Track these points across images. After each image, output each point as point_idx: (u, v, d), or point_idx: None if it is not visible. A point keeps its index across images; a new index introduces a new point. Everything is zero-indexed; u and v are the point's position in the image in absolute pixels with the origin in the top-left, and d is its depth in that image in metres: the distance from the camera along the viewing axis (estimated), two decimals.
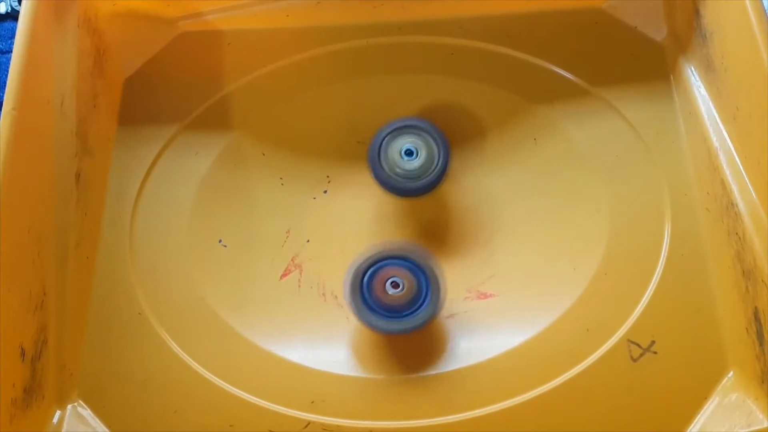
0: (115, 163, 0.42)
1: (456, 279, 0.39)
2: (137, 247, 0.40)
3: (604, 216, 0.40)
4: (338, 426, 0.36)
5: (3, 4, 0.49)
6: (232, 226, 0.41)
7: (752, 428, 0.33)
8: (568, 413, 0.35)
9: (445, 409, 0.36)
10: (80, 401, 0.36)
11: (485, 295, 0.39)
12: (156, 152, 0.42)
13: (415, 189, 0.39)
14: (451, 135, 0.43)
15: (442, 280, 0.37)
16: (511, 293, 0.39)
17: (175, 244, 0.40)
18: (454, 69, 0.44)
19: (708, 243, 0.38)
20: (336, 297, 0.39)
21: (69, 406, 0.36)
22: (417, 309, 0.36)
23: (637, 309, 0.37)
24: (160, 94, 0.44)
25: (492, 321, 0.38)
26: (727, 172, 0.37)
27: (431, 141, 0.39)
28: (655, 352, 0.36)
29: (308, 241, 0.41)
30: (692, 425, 0.35)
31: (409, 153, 0.39)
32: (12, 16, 0.49)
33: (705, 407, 0.35)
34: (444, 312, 0.38)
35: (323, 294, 0.40)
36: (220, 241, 0.41)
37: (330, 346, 0.38)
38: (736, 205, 0.36)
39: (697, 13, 0.40)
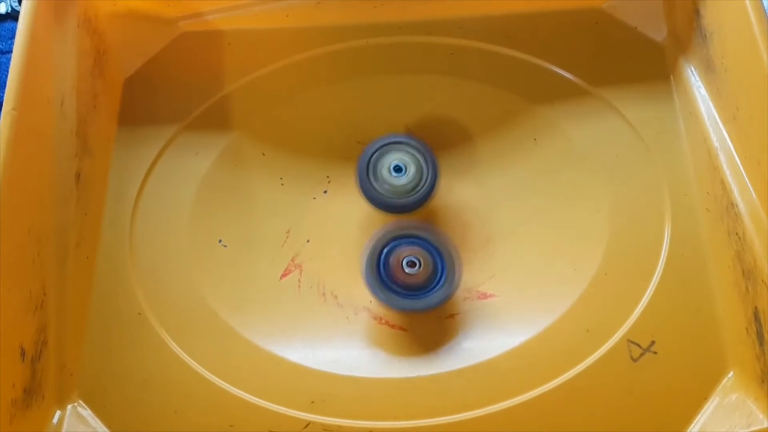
0: (115, 163, 0.42)
1: None
2: (137, 247, 0.40)
3: (604, 216, 0.40)
4: (338, 426, 0.36)
5: (3, 4, 0.49)
6: (232, 226, 0.41)
7: (752, 428, 0.33)
8: (568, 413, 0.35)
9: (446, 409, 0.36)
10: (80, 401, 0.36)
11: (485, 295, 0.39)
12: (156, 152, 0.42)
13: (404, 205, 0.39)
14: (451, 135, 0.43)
15: (458, 260, 0.37)
16: (511, 293, 0.39)
17: (175, 244, 0.40)
18: (454, 69, 0.44)
19: (708, 243, 0.38)
20: (336, 297, 0.39)
21: (69, 406, 0.36)
22: (433, 288, 0.37)
23: (637, 309, 0.37)
24: (160, 94, 0.44)
25: (492, 321, 0.38)
26: (727, 172, 0.37)
27: (419, 157, 0.39)
28: (655, 352, 0.36)
29: (308, 241, 0.41)
30: (692, 425, 0.35)
31: (397, 169, 0.39)
32: (12, 16, 0.49)
33: (705, 407, 0.35)
34: (444, 312, 0.38)
35: (323, 294, 0.40)
36: (220, 241, 0.41)
37: (330, 346, 0.38)
38: (736, 205, 0.36)
39: (697, 13, 0.40)
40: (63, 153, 0.38)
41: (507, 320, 0.38)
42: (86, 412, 0.36)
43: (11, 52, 0.35)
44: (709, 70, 0.39)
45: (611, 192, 0.40)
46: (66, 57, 0.38)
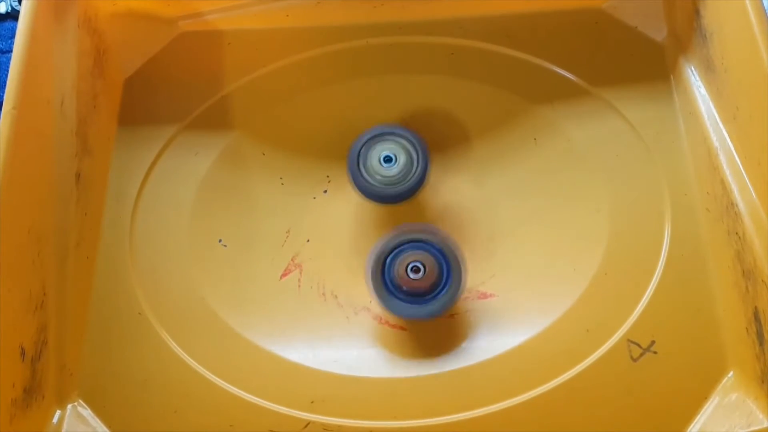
0: (115, 163, 0.42)
1: None
2: (137, 247, 0.40)
3: (604, 216, 0.40)
4: (338, 426, 0.36)
5: (3, 4, 0.49)
6: (232, 226, 0.41)
7: (752, 428, 0.33)
8: (568, 413, 0.35)
9: (446, 409, 0.36)
10: (80, 401, 0.36)
11: (485, 295, 0.39)
12: (156, 152, 0.42)
13: (395, 195, 0.39)
14: (451, 134, 0.43)
15: (464, 264, 0.37)
16: (511, 293, 0.39)
17: (175, 244, 0.40)
18: (454, 69, 0.44)
19: (708, 243, 0.38)
20: (336, 297, 0.39)
21: (69, 406, 0.36)
22: (438, 294, 0.36)
23: (637, 309, 0.37)
24: (160, 94, 0.44)
25: (492, 321, 0.38)
26: (727, 172, 0.37)
27: (409, 147, 0.40)
28: (655, 352, 0.36)
29: (308, 241, 0.41)
30: (692, 425, 0.35)
31: (387, 160, 0.39)
32: (12, 16, 0.49)
33: (705, 407, 0.35)
34: (444, 312, 0.38)
35: (323, 294, 0.40)
36: (220, 241, 0.41)
37: (330, 346, 0.38)
38: (736, 205, 0.36)
39: (697, 13, 0.40)
40: (63, 153, 0.38)
41: (507, 320, 0.38)
42: (86, 412, 0.36)
43: (11, 51, 0.35)
44: (709, 70, 0.39)
45: (611, 192, 0.40)
46: (66, 57, 0.38)
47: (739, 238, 0.36)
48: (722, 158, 0.38)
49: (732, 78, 0.37)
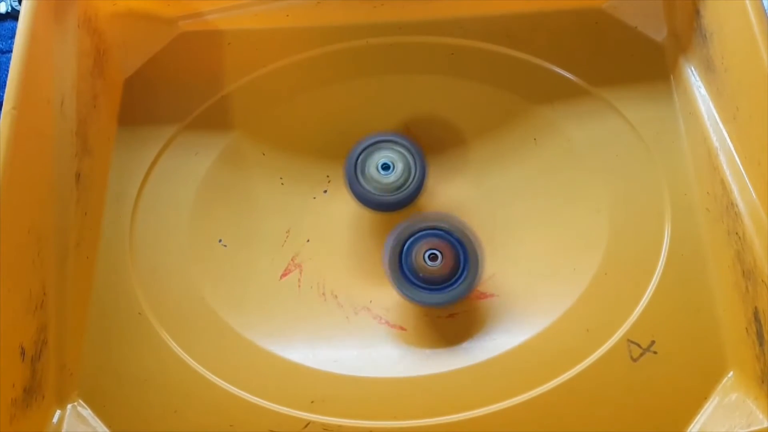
0: (115, 163, 0.42)
1: None
2: (137, 247, 0.40)
3: (604, 216, 0.40)
4: (338, 426, 0.36)
5: (3, 4, 0.49)
6: (232, 226, 0.41)
7: (752, 428, 0.33)
8: (568, 413, 0.35)
9: (445, 409, 0.36)
10: (80, 401, 0.37)
11: (485, 295, 0.39)
12: (156, 152, 0.42)
13: (393, 202, 0.39)
14: (451, 134, 0.43)
15: (481, 253, 0.37)
16: (511, 293, 0.39)
17: (175, 244, 0.40)
18: (454, 69, 0.44)
19: (708, 243, 0.38)
20: (336, 297, 0.39)
21: (69, 406, 0.36)
22: (455, 282, 0.37)
23: (637, 309, 0.37)
24: (160, 94, 0.44)
25: (492, 321, 0.38)
26: (727, 172, 0.37)
27: (406, 153, 0.40)
28: (655, 352, 0.36)
29: (308, 240, 0.41)
30: (692, 425, 0.35)
31: (385, 167, 0.39)
32: (12, 16, 0.49)
33: (705, 407, 0.35)
34: (444, 312, 0.38)
35: (323, 294, 0.40)
36: (220, 240, 0.41)
37: (330, 346, 0.38)
38: (736, 205, 0.36)
39: (697, 13, 0.40)
40: (63, 153, 0.38)
41: (507, 320, 0.38)
42: (86, 412, 0.36)
43: (11, 51, 0.35)
44: (709, 70, 0.39)
45: (611, 192, 0.40)
46: (66, 57, 0.38)
47: (739, 238, 0.36)
48: (722, 158, 0.38)
49: (732, 78, 0.37)
